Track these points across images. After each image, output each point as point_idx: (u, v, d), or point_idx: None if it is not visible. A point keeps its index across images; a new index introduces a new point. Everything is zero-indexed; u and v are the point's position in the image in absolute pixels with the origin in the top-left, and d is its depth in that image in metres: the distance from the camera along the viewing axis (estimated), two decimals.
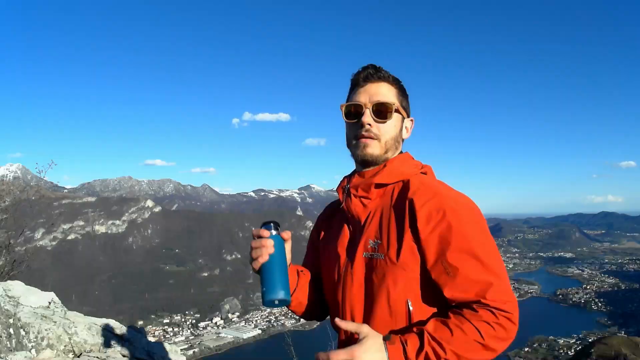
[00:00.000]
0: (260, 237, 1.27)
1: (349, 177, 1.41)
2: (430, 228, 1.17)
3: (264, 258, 1.24)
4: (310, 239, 1.62)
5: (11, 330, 2.68)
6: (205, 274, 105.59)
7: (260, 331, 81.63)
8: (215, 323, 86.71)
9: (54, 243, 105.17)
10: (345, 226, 1.39)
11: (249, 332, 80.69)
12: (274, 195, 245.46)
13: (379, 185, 1.32)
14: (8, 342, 2.61)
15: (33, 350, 2.74)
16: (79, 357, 2.93)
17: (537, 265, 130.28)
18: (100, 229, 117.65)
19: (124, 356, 3.20)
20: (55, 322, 2.99)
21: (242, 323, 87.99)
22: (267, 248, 1.24)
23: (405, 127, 1.41)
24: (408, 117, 1.41)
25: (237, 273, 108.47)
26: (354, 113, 1.35)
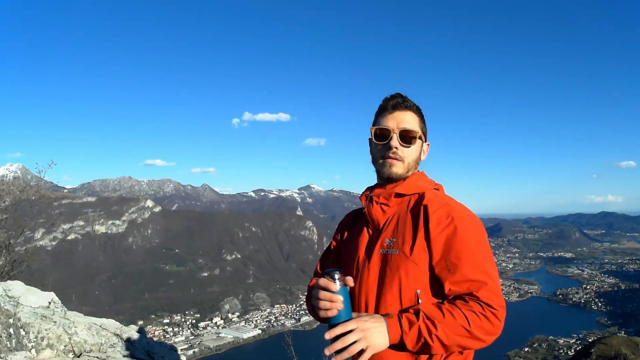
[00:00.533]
0: (326, 288, 1.35)
1: (371, 188, 1.68)
2: (439, 230, 1.41)
3: (332, 313, 1.33)
4: (333, 240, 1.84)
5: (11, 330, 2.67)
6: (205, 274, 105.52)
7: (260, 331, 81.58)
8: (215, 323, 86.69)
9: (54, 243, 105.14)
10: (365, 229, 1.61)
11: (249, 332, 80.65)
12: (274, 195, 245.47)
13: (398, 195, 1.57)
14: (8, 342, 2.61)
15: (33, 350, 2.74)
16: (79, 357, 2.93)
17: (537, 265, 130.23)
18: (100, 229, 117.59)
19: (124, 356, 3.20)
20: (55, 322, 2.99)
21: (242, 323, 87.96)
22: (336, 304, 1.33)
23: (423, 151, 1.67)
24: (425, 141, 1.67)
25: (237, 273, 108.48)
26: (381, 135, 1.59)
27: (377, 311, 1.44)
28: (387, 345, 1.30)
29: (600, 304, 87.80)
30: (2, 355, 2.50)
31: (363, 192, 1.71)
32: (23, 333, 2.76)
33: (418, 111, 1.64)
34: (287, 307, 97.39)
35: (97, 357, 2.93)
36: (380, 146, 1.59)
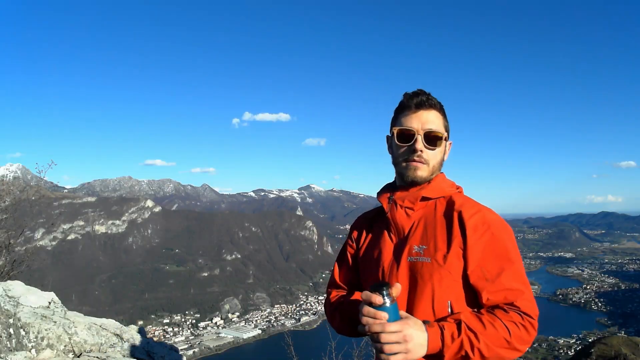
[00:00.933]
0: (371, 303, 1.24)
1: (391, 189, 1.58)
2: (476, 237, 1.35)
3: (378, 329, 1.24)
4: (348, 246, 1.70)
5: (11, 330, 2.67)
6: (205, 274, 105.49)
7: (260, 331, 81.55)
8: (215, 323, 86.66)
9: (54, 243, 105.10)
10: (387, 234, 1.51)
11: (249, 332, 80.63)
12: (274, 195, 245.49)
13: (424, 199, 1.48)
14: (8, 342, 2.61)
15: (33, 350, 2.74)
16: (79, 357, 2.93)
17: (537, 265, 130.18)
18: (100, 229, 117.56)
19: (124, 356, 3.20)
20: (55, 322, 2.99)
21: (242, 323, 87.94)
22: (382, 322, 1.24)
23: (446, 150, 1.57)
24: (448, 140, 1.56)
25: (237, 273, 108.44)
26: (404, 136, 1.48)
27: None
28: (424, 355, 1.23)
29: (600, 304, 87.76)
30: (2, 355, 2.50)
31: (382, 193, 1.59)
32: (23, 333, 2.76)
33: (442, 109, 1.53)
34: (287, 307, 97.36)
35: (97, 357, 2.93)
36: (404, 148, 1.49)
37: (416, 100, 1.49)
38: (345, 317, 1.52)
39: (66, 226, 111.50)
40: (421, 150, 1.46)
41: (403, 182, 1.52)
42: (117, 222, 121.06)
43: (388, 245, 1.49)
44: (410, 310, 1.36)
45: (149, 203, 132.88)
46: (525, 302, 1.30)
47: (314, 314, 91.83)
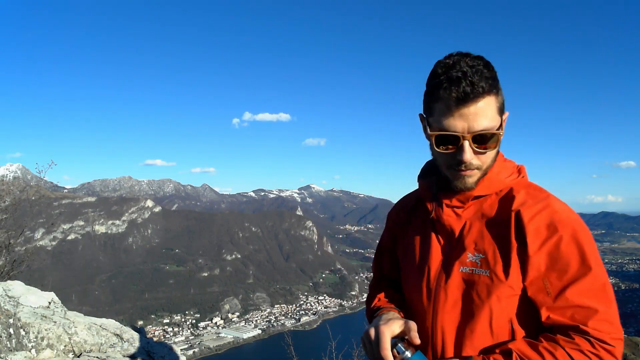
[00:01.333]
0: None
1: (433, 182, 1.26)
2: (539, 243, 1.06)
3: None
4: (384, 244, 1.45)
5: (11, 330, 2.67)
6: (205, 274, 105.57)
7: (260, 331, 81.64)
8: (215, 323, 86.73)
9: (54, 243, 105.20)
10: (434, 236, 1.22)
11: (249, 332, 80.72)
12: (274, 195, 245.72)
13: (477, 197, 1.18)
14: (8, 342, 2.61)
15: (33, 350, 2.74)
16: (79, 357, 2.93)
17: None
18: (100, 229, 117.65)
19: (124, 356, 3.20)
20: (55, 322, 2.99)
21: (242, 323, 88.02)
22: None
23: (503, 127, 1.14)
24: (503, 129, 1.14)
25: (237, 273, 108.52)
26: (446, 140, 1.10)
27: (457, 347, 1.12)
28: None
29: None
30: (2, 355, 2.50)
31: (423, 186, 1.28)
32: (23, 333, 2.76)
33: (492, 87, 1.07)
34: (287, 307, 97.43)
35: (97, 357, 2.93)
36: (448, 155, 1.12)
37: (457, 94, 1.05)
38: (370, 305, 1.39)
39: (66, 226, 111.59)
40: (471, 161, 1.10)
41: (452, 188, 1.19)
42: (117, 222, 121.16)
43: (435, 248, 1.21)
44: (463, 330, 1.11)
45: (149, 203, 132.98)
46: (599, 324, 1.00)
47: (314, 314, 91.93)
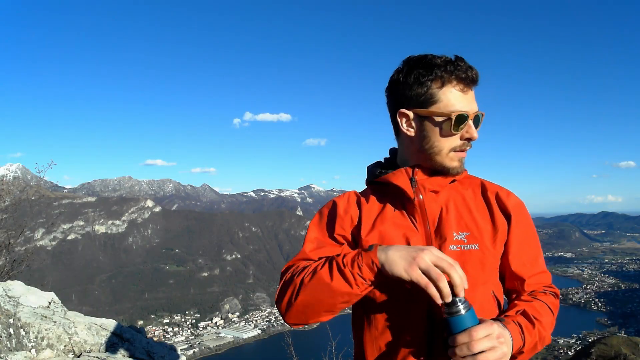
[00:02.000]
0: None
1: (407, 169, 1.26)
2: (517, 220, 1.24)
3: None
4: (334, 227, 1.27)
5: (11, 330, 2.67)
6: (205, 274, 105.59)
7: (260, 331, 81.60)
8: (215, 323, 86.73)
9: (54, 243, 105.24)
10: (411, 223, 1.22)
11: (249, 332, 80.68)
12: (274, 195, 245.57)
13: (453, 181, 1.28)
14: (8, 342, 2.61)
15: (33, 350, 2.74)
16: (79, 357, 2.93)
17: None
18: (100, 229, 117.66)
19: (124, 356, 3.20)
20: (55, 322, 2.99)
21: (242, 323, 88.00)
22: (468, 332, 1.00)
23: None
24: None
25: (237, 273, 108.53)
26: (462, 121, 1.18)
27: None
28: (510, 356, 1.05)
29: (600, 304, 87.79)
30: (2, 355, 2.50)
31: (394, 173, 1.26)
32: (23, 333, 2.76)
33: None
34: None
35: (97, 357, 2.93)
36: (454, 137, 1.20)
37: (471, 75, 1.18)
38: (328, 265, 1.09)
39: (66, 226, 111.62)
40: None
41: (437, 172, 1.25)
42: (117, 222, 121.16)
43: (414, 235, 1.20)
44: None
45: (149, 203, 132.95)
46: (550, 282, 1.27)
47: None
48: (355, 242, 1.26)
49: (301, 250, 1.26)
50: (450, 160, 1.22)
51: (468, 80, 1.18)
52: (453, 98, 1.17)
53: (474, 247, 1.17)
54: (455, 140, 1.20)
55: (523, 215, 1.26)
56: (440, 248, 1.17)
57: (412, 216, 1.23)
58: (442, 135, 1.20)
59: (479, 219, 1.22)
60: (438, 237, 1.19)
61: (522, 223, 1.25)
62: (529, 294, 1.22)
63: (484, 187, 1.29)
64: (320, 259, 1.15)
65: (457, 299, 0.99)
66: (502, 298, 1.25)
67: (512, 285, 1.25)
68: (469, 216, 1.22)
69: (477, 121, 1.21)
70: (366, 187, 1.37)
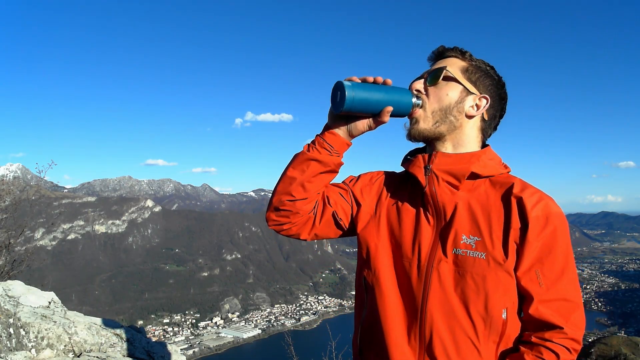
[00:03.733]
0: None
1: (425, 156, 1.22)
2: (537, 232, 1.07)
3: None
4: (354, 185, 1.34)
5: (11, 330, 2.67)
6: (205, 274, 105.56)
7: (260, 331, 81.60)
8: (215, 323, 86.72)
9: (54, 243, 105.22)
10: (424, 213, 1.18)
11: (249, 332, 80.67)
12: None
13: (473, 176, 1.16)
14: (8, 342, 2.61)
15: (33, 350, 2.74)
16: (79, 356, 2.93)
17: None
18: (100, 228, 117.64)
19: (124, 356, 3.20)
20: (55, 321, 2.99)
21: (242, 323, 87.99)
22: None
23: (477, 105, 1.20)
24: (478, 93, 1.20)
25: (237, 273, 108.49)
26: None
27: (448, 330, 1.08)
28: None
29: (600, 304, 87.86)
30: (2, 355, 2.50)
31: (412, 161, 1.24)
32: (23, 333, 2.76)
33: (472, 59, 1.23)
34: (287, 307, 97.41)
35: (97, 357, 2.93)
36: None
37: (435, 50, 1.28)
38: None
39: (66, 226, 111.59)
40: (418, 90, 1.20)
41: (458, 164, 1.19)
42: (117, 222, 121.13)
43: (425, 225, 1.16)
44: (453, 317, 1.08)
45: (149, 203, 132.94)
46: (577, 319, 1.06)
47: (314, 314, 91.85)
48: (365, 212, 1.28)
49: None
50: (409, 124, 1.25)
51: (431, 54, 1.28)
52: None
53: (481, 255, 1.07)
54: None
55: (549, 228, 1.07)
56: (443, 250, 1.11)
57: (426, 209, 1.18)
58: None
59: (494, 224, 1.10)
60: (446, 235, 1.12)
61: (546, 236, 1.07)
62: (529, 327, 1.09)
63: (509, 190, 1.13)
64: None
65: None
66: (515, 320, 1.11)
67: (524, 308, 1.10)
68: (485, 220, 1.11)
69: (429, 79, 1.21)
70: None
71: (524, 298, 1.09)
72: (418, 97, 1.17)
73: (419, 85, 1.20)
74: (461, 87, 1.18)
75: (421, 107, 1.19)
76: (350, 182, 1.35)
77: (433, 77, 1.19)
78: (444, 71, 1.18)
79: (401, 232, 1.19)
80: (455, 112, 1.18)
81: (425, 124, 1.18)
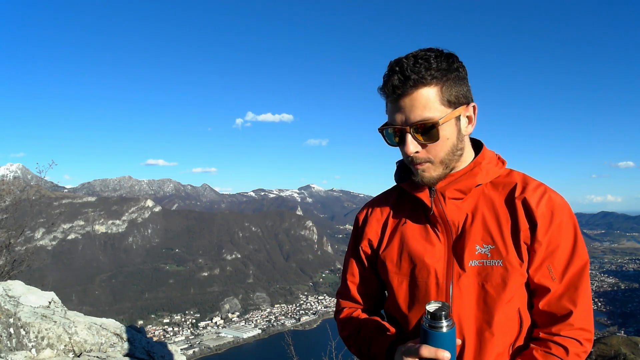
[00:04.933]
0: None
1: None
2: (544, 229, 1.07)
3: None
4: (361, 247, 1.30)
5: (11, 330, 2.68)
6: (205, 274, 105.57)
7: (260, 331, 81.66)
8: (215, 323, 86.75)
9: (54, 243, 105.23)
10: (431, 230, 1.16)
11: (249, 331, 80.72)
12: (274, 195, 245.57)
13: (477, 185, 1.15)
14: (8, 342, 2.61)
15: (33, 350, 2.74)
16: (79, 356, 2.93)
17: None
18: (100, 228, 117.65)
19: (124, 356, 3.20)
20: (55, 321, 2.99)
21: (242, 323, 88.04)
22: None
23: (468, 117, 1.13)
24: (467, 105, 1.11)
25: (237, 273, 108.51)
26: (394, 135, 1.11)
27: (479, 342, 1.08)
28: None
29: (600, 304, 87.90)
30: (2, 355, 2.51)
31: (409, 181, 1.20)
32: (23, 333, 2.76)
33: (435, 77, 1.04)
34: (287, 307, 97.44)
35: (97, 357, 2.93)
36: (401, 150, 1.12)
37: (390, 87, 1.06)
38: (364, 348, 1.21)
39: (66, 226, 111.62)
40: (417, 152, 1.08)
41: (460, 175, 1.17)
42: (117, 221, 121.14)
43: (436, 246, 1.14)
44: (482, 325, 1.08)
45: (149, 203, 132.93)
46: (583, 310, 1.09)
47: (314, 314, 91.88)
48: (376, 254, 1.26)
49: (342, 283, 1.38)
50: (415, 175, 1.14)
51: (388, 90, 1.07)
52: (386, 111, 1.13)
53: (498, 263, 1.07)
54: (402, 154, 1.12)
55: (555, 222, 1.08)
56: (460, 264, 1.10)
57: (434, 227, 1.16)
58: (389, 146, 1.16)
59: (505, 229, 1.09)
60: (460, 249, 1.11)
61: (554, 229, 1.07)
62: (540, 323, 1.11)
63: (512, 192, 1.12)
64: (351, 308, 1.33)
65: (443, 316, 0.95)
66: (527, 315, 1.12)
67: (535, 302, 1.10)
68: (495, 226, 1.10)
69: (421, 132, 1.06)
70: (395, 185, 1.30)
71: (537, 293, 1.09)
72: (447, 317, 0.96)
73: (413, 147, 1.08)
74: (452, 119, 1.08)
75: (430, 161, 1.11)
76: (361, 251, 1.31)
77: (430, 138, 1.07)
78: (438, 128, 1.06)
79: (413, 255, 1.16)
80: (459, 145, 1.12)
81: (437, 172, 1.12)
